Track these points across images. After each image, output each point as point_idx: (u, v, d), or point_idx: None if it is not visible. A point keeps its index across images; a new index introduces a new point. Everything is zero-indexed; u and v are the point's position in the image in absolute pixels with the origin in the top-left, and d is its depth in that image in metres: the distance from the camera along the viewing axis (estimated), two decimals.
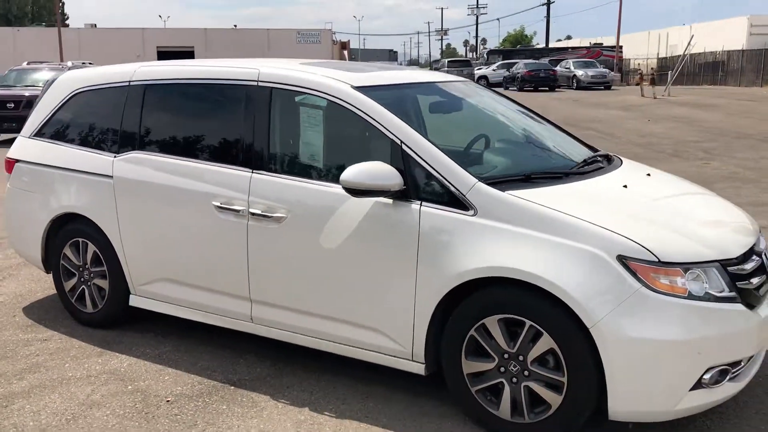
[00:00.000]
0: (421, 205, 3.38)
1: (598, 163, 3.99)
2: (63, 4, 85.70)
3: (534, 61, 39.90)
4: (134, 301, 4.50)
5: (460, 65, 42.28)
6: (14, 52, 55.88)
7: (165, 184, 4.17)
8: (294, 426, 3.44)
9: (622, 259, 2.99)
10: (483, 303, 3.24)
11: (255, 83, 3.96)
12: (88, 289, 4.69)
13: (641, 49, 52.69)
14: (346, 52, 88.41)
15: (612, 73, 37.52)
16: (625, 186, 3.58)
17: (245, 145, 3.93)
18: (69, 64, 19.23)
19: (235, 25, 69.41)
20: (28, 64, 20.07)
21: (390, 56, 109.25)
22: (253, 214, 3.80)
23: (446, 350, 3.37)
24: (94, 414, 3.58)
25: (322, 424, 3.45)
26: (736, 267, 3.16)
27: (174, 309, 4.33)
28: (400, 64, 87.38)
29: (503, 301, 3.19)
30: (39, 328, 4.76)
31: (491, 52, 56.78)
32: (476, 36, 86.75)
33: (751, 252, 3.35)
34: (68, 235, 4.71)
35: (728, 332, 3.05)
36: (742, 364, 3.20)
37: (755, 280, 3.25)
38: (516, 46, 72.83)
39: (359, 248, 3.52)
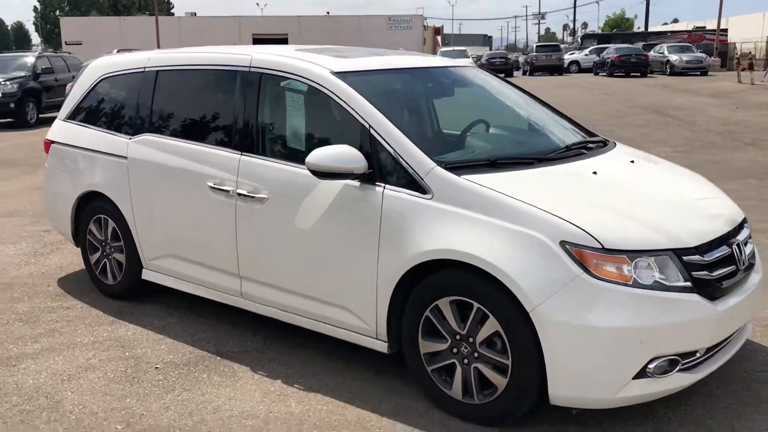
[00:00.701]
0: (384, 187, 3.46)
1: (581, 149, 3.95)
2: None
3: (625, 45, 38.51)
4: (145, 274, 4.79)
5: (549, 50, 41.42)
6: (120, 39, 58.80)
7: (169, 165, 4.41)
8: (261, 396, 3.62)
9: (565, 245, 2.99)
10: (437, 285, 3.31)
11: (247, 69, 4.14)
12: (109, 262, 5.03)
13: (755, 32, 49.70)
14: (439, 38, 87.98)
15: (710, 57, 35.74)
16: (595, 172, 3.54)
17: (236, 129, 4.12)
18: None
19: (328, 12, 70.37)
20: (117, 51, 21.15)
21: (484, 41, 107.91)
22: (240, 194, 3.99)
23: (405, 330, 3.46)
24: (87, 376, 3.88)
25: (288, 395, 3.62)
26: (692, 257, 3.09)
27: (178, 283, 4.59)
28: (497, 50, 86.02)
29: (454, 283, 3.24)
30: (67, 297, 5.14)
31: (585, 37, 55.23)
32: (574, 20, 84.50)
33: (718, 242, 3.26)
34: (92, 212, 5.05)
35: (677, 322, 3.00)
36: (698, 355, 3.14)
37: (718, 272, 3.17)
38: (613, 30, 70.46)
39: (329, 229, 3.65)
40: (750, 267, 3.52)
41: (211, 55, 4.46)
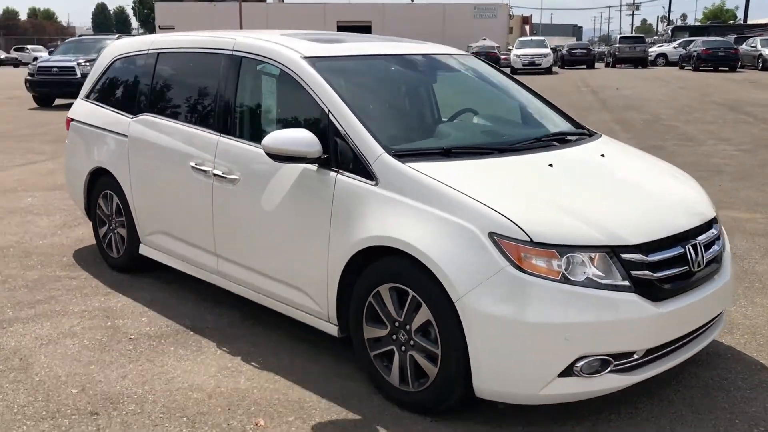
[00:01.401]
0: (338, 172, 3.49)
1: (553, 140, 3.86)
2: None
3: (714, 38, 36.77)
4: (142, 249, 4.98)
5: (633, 42, 40.05)
6: (210, 25, 60.55)
7: (161, 145, 4.57)
8: (216, 371, 3.72)
9: (494, 236, 2.94)
10: (378, 271, 3.31)
11: (230, 52, 4.24)
12: (114, 236, 5.26)
13: None
14: (527, 27, 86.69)
15: None
16: (551, 165, 3.45)
17: (218, 111, 4.22)
18: None
19: (412, 0, 70.22)
20: None
21: (574, 32, 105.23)
22: (215, 175, 4.09)
23: (352, 314, 3.48)
24: (65, 342, 4.08)
25: (241, 372, 3.71)
26: (631, 255, 2.98)
27: (168, 259, 4.76)
28: (589, 41, 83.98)
29: (393, 270, 3.24)
30: (75, 268, 5.41)
31: (677, 29, 53.19)
32: (669, 11, 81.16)
33: (670, 241, 3.14)
34: (101, 188, 5.29)
35: (609, 321, 2.91)
36: (635, 356, 3.03)
37: (663, 272, 3.05)
38: (707, 21, 67.39)
39: (289, 212, 3.70)
40: (715, 269, 3.37)
41: (202, 38, 4.58)
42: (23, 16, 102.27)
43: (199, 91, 4.51)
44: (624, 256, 2.97)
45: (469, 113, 4.39)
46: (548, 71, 33.24)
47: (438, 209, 3.10)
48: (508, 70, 35.21)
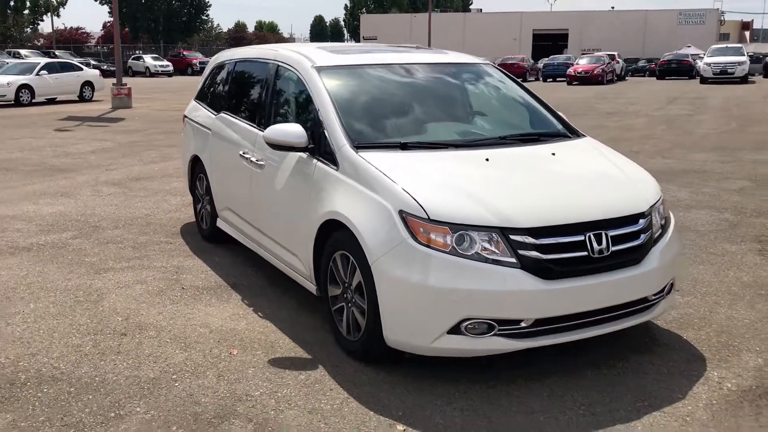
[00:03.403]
0: (318, 160, 4.27)
1: (517, 139, 4.38)
2: None
3: None
4: (218, 222, 6.07)
5: None
6: (409, 35, 63.10)
7: (227, 137, 5.62)
8: (228, 316, 4.64)
9: (402, 213, 3.57)
10: (334, 240, 4.04)
11: (272, 61, 5.17)
12: (204, 211, 6.42)
13: None
14: (747, 33, 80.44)
15: None
16: (487, 159, 3.99)
17: (260, 109, 5.18)
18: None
19: (613, 7, 67.95)
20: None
21: None
22: (252, 161, 5.04)
23: (322, 276, 4.24)
24: (134, 287, 5.23)
25: (246, 318, 4.59)
26: (519, 236, 3.46)
27: (230, 230, 5.80)
28: None
29: (342, 240, 3.95)
30: (176, 236, 6.64)
31: None
32: None
33: (571, 229, 3.55)
34: (198, 171, 6.47)
35: (493, 291, 3.41)
36: (523, 324, 3.50)
37: (555, 255, 3.49)
38: None
39: (289, 191, 4.54)
40: (633, 258, 3.70)
41: (258, 50, 5.59)
42: (251, 29, 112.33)
43: (251, 93, 5.51)
44: (512, 237, 3.46)
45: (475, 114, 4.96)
46: (743, 80, 31.06)
47: (369, 190, 3.78)
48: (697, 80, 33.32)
